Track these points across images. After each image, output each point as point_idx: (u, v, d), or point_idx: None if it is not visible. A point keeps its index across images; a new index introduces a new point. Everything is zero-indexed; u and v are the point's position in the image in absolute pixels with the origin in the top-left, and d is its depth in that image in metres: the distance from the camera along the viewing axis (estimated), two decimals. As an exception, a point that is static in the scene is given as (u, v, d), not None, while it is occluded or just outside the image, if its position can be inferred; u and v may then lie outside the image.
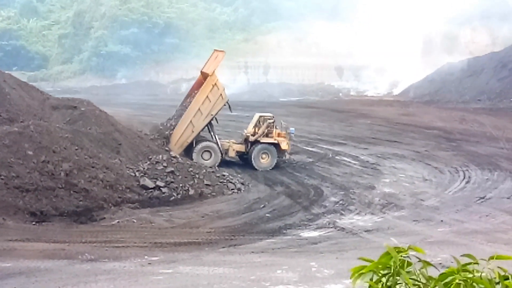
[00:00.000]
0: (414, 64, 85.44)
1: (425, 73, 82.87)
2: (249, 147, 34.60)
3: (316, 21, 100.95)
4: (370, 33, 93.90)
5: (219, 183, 30.18)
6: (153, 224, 24.49)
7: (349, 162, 36.83)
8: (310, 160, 36.43)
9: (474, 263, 3.57)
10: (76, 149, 27.37)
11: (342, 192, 30.01)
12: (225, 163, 34.45)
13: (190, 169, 30.48)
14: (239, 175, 32.17)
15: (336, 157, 37.81)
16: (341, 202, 28.47)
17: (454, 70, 79.36)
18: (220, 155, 33.98)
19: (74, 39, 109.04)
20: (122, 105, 55.72)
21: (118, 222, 24.34)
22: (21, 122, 28.76)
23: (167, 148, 32.36)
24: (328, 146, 40.53)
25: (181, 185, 28.72)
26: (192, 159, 32.88)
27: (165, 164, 29.90)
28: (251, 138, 34.47)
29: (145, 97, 72.64)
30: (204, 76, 34.53)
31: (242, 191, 30.03)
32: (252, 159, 34.13)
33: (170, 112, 53.48)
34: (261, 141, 34.29)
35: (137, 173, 28.43)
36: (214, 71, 34.04)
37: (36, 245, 20.58)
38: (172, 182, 28.67)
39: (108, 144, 29.93)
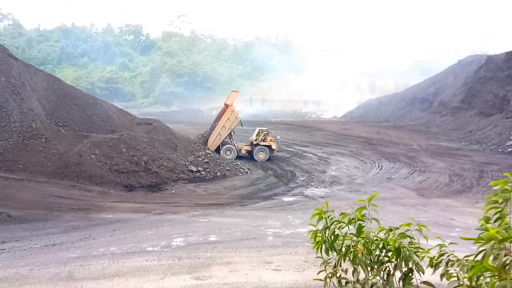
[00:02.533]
0: (350, 99, 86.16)
1: (356, 104, 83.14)
2: (253, 148, 34.69)
3: (291, 73, 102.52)
4: (324, 80, 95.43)
5: (235, 169, 30.18)
6: (196, 192, 24.47)
7: (311, 156, 36.76)
8: (288, 155, 36.39)
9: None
10: (151, 148, 27.39)
11: (307, 174, 29.96)
12: (239, 157, 34.47)
13: (218, 160, 30.51)
14: (246, 164, 32.14)
15: (304, 154, 37.76)
16: (306, 180, 28.43)
17: (373, 103, 79.64)
18: (236, 152, 34.33)
19: (150, 83, 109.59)
20: (178, 122, 55.68)
21: (175, 191, 24.34)
22: (119, 132, 28.85)
23: (206, 149, 32.50)
24: (299, 147, 40.48)
25: (212, 169, 28.73)
26: (219, 155, 33.09)
27: (203, 157, 29.95)
28: (254, 142, 34.90)
29: (191, 118, 72.67)
30: (226, 106, 34.65)
31: (248, 173, 30.00)
32: (254, 155, 34.51)
33: (206, 126, 53.55)
34: (260, 144, 34.63)
35: (186, 162, 28.44)
36: (232, 103, 34.46)
37: (127, 205, 20.61)
38: (207, 167, 28.68)
39: (170, 145, 29.93)
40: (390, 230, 3.62)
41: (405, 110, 69.79)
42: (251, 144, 35.34)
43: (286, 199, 23.59)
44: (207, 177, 27.71)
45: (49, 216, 17.92)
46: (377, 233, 3.64)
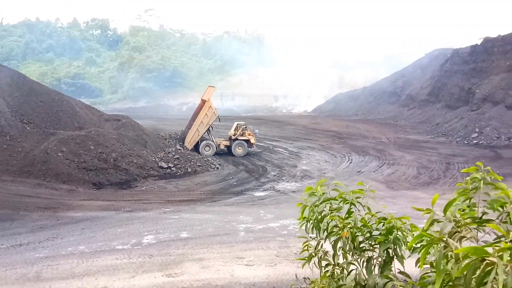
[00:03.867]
0: (319, 93, 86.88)
1: (326, 99, 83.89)
2: (231, 143, 34.70)
3: (260, 68, 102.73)
4: (294, 74, 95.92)
5: (205, 164, 30.04)
6: (166, 189, 24.29)
7: (282, 151, 36.91)
8: (259, 150, 36.42)
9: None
10: (120, 145, 27.04)
11: (278, 169, 30.07)
12: (217, 153, 34.27)
13: (189, 156, 30.30)
14: (217, 160, 32.01)
15: (274, 148, 37.87)
16: (277, 175, 28.52)
17: (342, 97, 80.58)
18: (215, 148, 34.13)
19: (118, 79, 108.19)
20: (147, 118, 55.15)
21: (145, 188, 24.12)
22: (86, 129, 28.41)
23: (178, 145, 32.28)
24: (270, 142, 40.58)
25: (183, 165, 28.53)
26: (198, 151, 33.10)
27: (173, 153, 29.72)
28: (233, 137, 34.78)
29: (160, 114, 71.96)
30: (203, 101, 34.47)
31: (219, 169, 29.89)
32: (233, 149, 34.35)
33: (176, 122, 53.37)
34: (238, 138, 34.57)
35: (156, 159, 28.16)
36: (209, 98, 34.28)
37: (96, 203, 20.33)
38: (177, 164, 28.46)
39: (139, 141, 29.61)
40: (384, 219, 3.64)
41: (374, 104, 70.88)
42: (230, 139, 35.22)
43: (257, 194, 23.62)
44: (178, 174, 27.52)
45: (15, 215, 17.53)
46: (367, 221, 3.66)
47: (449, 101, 53.75)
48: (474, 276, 2.24)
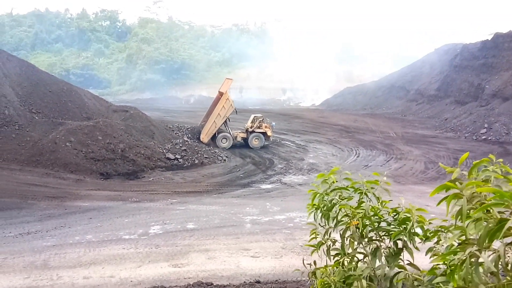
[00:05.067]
0: (328, 87, 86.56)
1: (334, 93, 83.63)
2: (248, 135, 34.76)
3: (269, 61, 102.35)
4: (300, 68, 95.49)
5: (213, 156, 30.06)
6: (173, 180, 24.34)
7: (289, 144, 36.87)
8: (266, 143, 36.37)
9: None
10: (128, 136, 27.09)
11: (285, 162, 30.05)
12: (233, 146, 34.51)
13: (196, 148, 30.33)
14: (224, 152, 32.02)
15: (282, 142, 37.83)
16: (284, 167, 28.51)
17: (350, 91, 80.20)
18: (232, 140, 34.28)
19: (127, 70, 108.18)
20: (155, 110, 55.12)
21: (153, 179, 24.18)
22: (94, 119, 28.49)
23: (186, 137, 32.35)
24: (277, 135, 40.45)
25: (190, 157, 28.55)
26: (215, 143, 33.62)
27: (180, 145, 29.76)
28: (249, 129, 34.79)
29: (168, 105, 71.94)
30: (220, 94, 34.52)
31: (226, 161, 29.91)
32: (249, 142, 34.45)
33: (183, 114, 53.46)
34: (255, 131, 34.63)
35: (164, 150, 28.20)
36: (226, 91, 34.26)
37: (103, 193, 20.40)
38: (185, 155, 28.49)
39: (147, 132, 29.63)
40: (394, 210, 3.58)
41: (382, 98, 70.53)
42: (246, 131, 35.23)
43: (264, 186, 23.63)
44: (185, 165, 27.55)
45: (23, 204, 17.64)
46: (378, 211, 3.59)
47: (458, 96, 53.36)
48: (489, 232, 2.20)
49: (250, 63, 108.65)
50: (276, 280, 9.30)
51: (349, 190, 3.78)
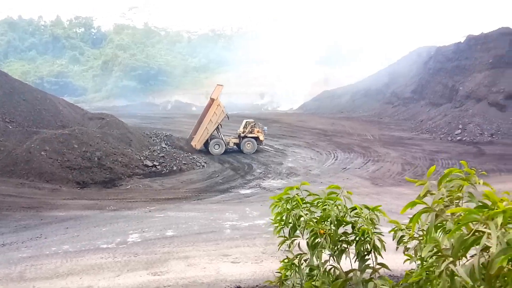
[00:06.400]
0: (305, 91, 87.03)
1: (311, 96, 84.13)
2: (240, 140, 34.86)
3: (246, 65, 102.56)
4: (279, 73, 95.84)
5: (191, 162, 29.94)
6: (151, 187, 24.16)
7: (268, 149, 36.94)
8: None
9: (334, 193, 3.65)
10: (104, 143, 26.82)
11: (264, 167, 30.10)
12: (226, 151, 34.62)
13: (174, 154, 30.19)
14: (203, 158, 31.92)
15: (260, 146, 37.82)
16: (263, 172, 28.55)
17: (328, 95, 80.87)
18: (224, 146, 34.36)
19: (102, 77, 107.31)
20: (132, 117, 54.60)
21: (130, 186, 23.96)
22: (70, 127, 28.14)
23: (164, 143, 32.13)
24: (255, 140, 40.54)
25: (168, 164, 28.40)
26: (208, 149, 33.95)
27: (158, 152, 29.62)
28: (242, 135, 34.97)
29: (145, 112, 71.37)
30: (212, 100, 34.64)
31: (204, 167, 29.82)
32: (242, 147, 34.65)
33: (161, 121, 53.14)
34: (247, 136, 34.83)
35: (142, 157, 28.00)
36: (217, 97, 34.43)
37: (80, 202, 20.13)
38: (163, 162, 28.32)
39: (124, 140, 29.40)
40: (354, 208, 3.69)
41: (359, 102, 71.21)
42: (239, 136, 35.28)
43: (243, 191, 23.62)
44: (163, 172, 27.38)
45: (-3, 215, 17.27)
46: (343, 216, 3.66)
47: (432, 98, 54.23)
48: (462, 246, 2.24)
49: (228, 68, 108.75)
50: (256, 285, 9.29)
51: (314, 204, 3.85)
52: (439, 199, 2.67)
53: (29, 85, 36.32)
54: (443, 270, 2.27)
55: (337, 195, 3.75)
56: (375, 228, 3.58)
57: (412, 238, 3.31)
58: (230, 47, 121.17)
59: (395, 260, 3.77)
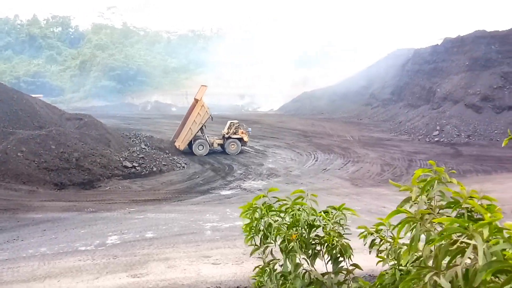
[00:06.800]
0: (285, 92, 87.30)
1: (291, 98, 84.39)
2: (225, 141, 34.80)
3: (226, 66, 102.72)
4: (259, 74, 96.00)
5: (171, 163, 29.75)
6: (131, 188, 23.94)
7: (248, 150, 36.90)
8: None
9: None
10: (82, 144, 26.49)
11: (244, 168, 30.08)
12: (210, 152, 34.58)
13: (154, 155, 29.94)
14: (183, 159, 31.76)
15: (241, 147, 37.83)
16: (244, 173, 28.53)
17: (307, 96, 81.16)
18: (208, 146, 34.32)
19: (80, 77, 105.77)
20: (111, 117, 54.03)
21: (109, 188, 23.70)
22: (47, 128, 27.73)
23: (143, 144, 31.91)
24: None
25: (148, 165, 28.17)
26: (192, 150, 33.76)
27: (138, 153, 29.34)
28: (226, 135, 34.91)
29: (124, 113, 70.73)
30: (196, 101, 34.46)
31: (185, 168, 29.68)
32: (226, 148, 34.56)
33: (140, 121, 52.73)
34: (232, 137, 34.76)
35: (121, 158, 27.71)
36: (201, 98, 34.24)
37: (58, 203, 19.85)
38: (142, 163, 28.08)
39: (102, 141, 29.06)
40: (326, 211, 3.73)
41: (339, 103, 71.68)
42: (223, 137, 35.20)
43: (224, 192, 23.58)
44: (143, 173, 27.15)
45: (-28, 218, 16.92)
46: (313, 220, 3.69)
47: (411, 100, 54.94)
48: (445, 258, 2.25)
49: (208, 68, 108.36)
50: (237, 287, 9.28)
51: (282, 210, 3.90)
52: (425, 208, 2.69)
53: (5, 85, 35.62)
54: (427, 282, 2.28)
55: (302, 199, 3.77)
56: (344, 229, 3.64)
57: (385, 241, 3.37)
58: (210, 48, 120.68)
59: (374, 260, 3.80)
